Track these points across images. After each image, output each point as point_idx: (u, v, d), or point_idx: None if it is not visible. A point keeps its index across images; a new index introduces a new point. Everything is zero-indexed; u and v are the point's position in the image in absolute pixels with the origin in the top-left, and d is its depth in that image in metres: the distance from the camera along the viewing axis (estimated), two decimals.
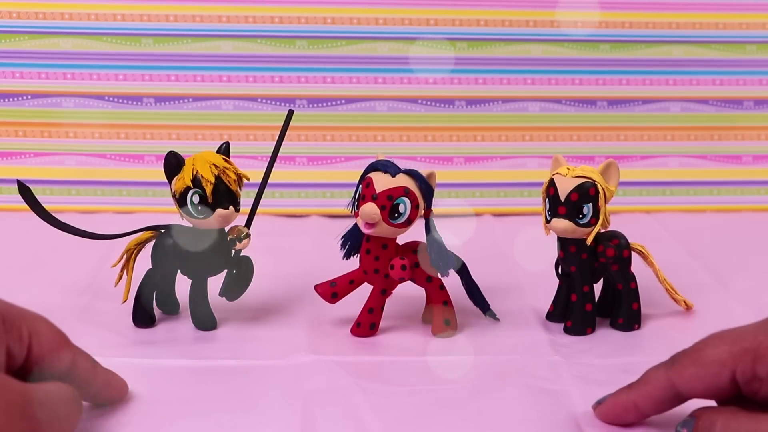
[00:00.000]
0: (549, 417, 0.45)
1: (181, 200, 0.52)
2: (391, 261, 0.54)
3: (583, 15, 0.84)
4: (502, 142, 0.85)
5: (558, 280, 0.58)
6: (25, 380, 0.38)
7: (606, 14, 0.85)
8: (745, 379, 0.38)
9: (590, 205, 0.53)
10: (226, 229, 0.55)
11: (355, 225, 0.55)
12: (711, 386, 0.39)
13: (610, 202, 0.54)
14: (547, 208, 0.54)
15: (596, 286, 0.57)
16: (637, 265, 0.57)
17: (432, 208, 0.54)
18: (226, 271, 0.56)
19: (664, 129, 0.86)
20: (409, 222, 0.53)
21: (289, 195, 0.84)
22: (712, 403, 0.41)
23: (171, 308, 0.59)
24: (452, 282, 0.56)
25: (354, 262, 0.56)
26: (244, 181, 0.54)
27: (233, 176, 0.53)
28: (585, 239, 0.54)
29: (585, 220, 0.53)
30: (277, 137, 0.57)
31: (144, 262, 0.56)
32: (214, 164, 0.52)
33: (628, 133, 0.86)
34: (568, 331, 0.56)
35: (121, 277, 0.56)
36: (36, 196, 0.54)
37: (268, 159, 0.57)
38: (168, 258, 0.55)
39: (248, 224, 0.56)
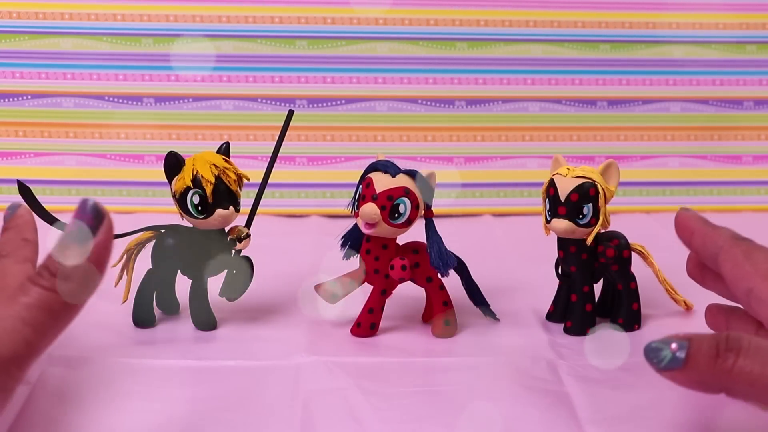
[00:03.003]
0: (549, 417, 0.45)
1: (181, 200, 0.52)
2: (391, 261, 0.54)
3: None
4: (502, 142, 0.85)
5: (558, 280, 0.58)
6: None
7: (606, 14, 0.85)
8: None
9: (590, 205, 0.53)
10: (226, 229, 0.55)
11: (355, 225, 0.55)
12: (742, 279, 0.41)
13: (610, 202, 0.54)
14: (547, 208, 0.54)
15: (596, 286, 0.57)
16: (637, 265, 0.57)
17: (432, 208, 0.54)
18: (226, 271, 0.56)
19: (664, 129, 0.87)
20: (409, 222, 0.53)
21: (289, 195, 0.84)
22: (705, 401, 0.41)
23: (171, 308, 0.59)
24: (452, 282, 0.56)
25: (354, 263, 0.56)
26: (244, 181, 0.54)
27: (233, 176, 0.53)
28: (585, 239, 0.54)
29: (585, 221, 0.53)
30: (277, 137, 0.57)
31: (144, 262, 0.56)
32: (214, 164, 0.52)
33: (628, 133, 0.86)
34: (568, 331, 0.56)
35: (121, 277, 0.56)
36: (36, 196, 0.54)
37: (269, 159, 0.57)
38: (168, 258, 0.55)
39: (248, 224, 0.56)
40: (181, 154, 0.53)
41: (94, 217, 0.37)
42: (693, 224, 0.44)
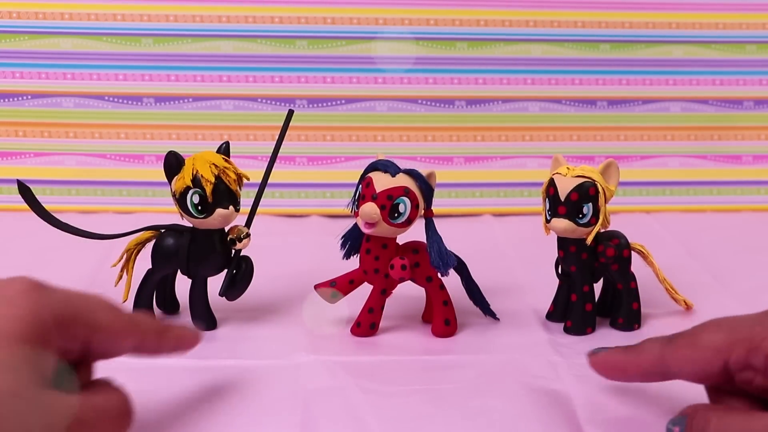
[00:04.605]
0: (549, 417, 0.45)
1: (181, 200, 0.52)
2: (391, 261, 0.54)
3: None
4: (502, 142, 0.85)
5: (558, 280, 0.58)
6: (86, 370, 0.38)
7: (606, 14, 0.85)
8: (738, 367, 0.38)
9: (590, 204, 0.53)
10: (226, 229, 0.55)
11: (355, 225, 0.55)
12: (702, 370, 0.39)
13: (610, 202, 0.54)
14: (547, 207, 0.54)
15: (596, 285, 0.57)
16: (637, 264, 0.57)
17: (432, 207, 0.54)
18: (226, 271, 0.56)
19: (664, 129, 0.87)
20: (409, 222, 0.53)
21: (289, 195, 0.84)
22: (702, 395, 0.42)
23: (171, 308, 0.59)
24: (452, 282, 0.56)
25: (354, 262, 0.56)
26: (244, 181, 0.54)
27: (233, 176, 0.53)
28: (585, 239, 0.54)
29: (585, 220, 0.53)
30: (277, 137, 0.57)
31: (144, 262, 0.56)
32: (214, 164, 0.52)
33: (628, 133, 0.86)
34: (568, 330, 0.56)
35: (121, 277, 0.56)
36: (36, 196, 0.54)
37: (268, 159, 0.57)
38: (168, 258, 0.55)
39: (248, 224, 0.56)
40: (181, 154, 0.53)
41: None
42: (610, 363, 0.42)
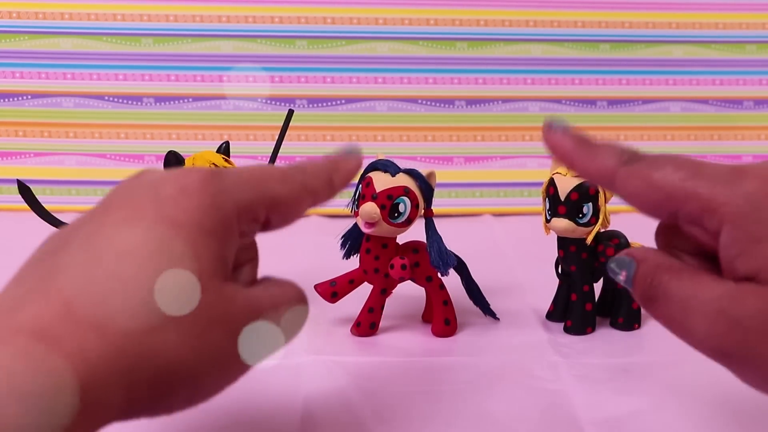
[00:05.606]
0: (549, 417, 0.45)
1: None
2: (391, 260, 0.54)
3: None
4: (502, 142, 0.85)
5: (558, 280, 0.58)
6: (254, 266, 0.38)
7: (606, 14, 0.85)
8: (686, 220, 0.34)
9: (590, 204, 0.53)
10: None
11: (355, 225, 0.55)
12: (648, 208, 0.35)
13: (610, 202, 0.54)
14: (547, 207, 0.54)
15: (596, 285, 0.57)
16: None
17: (432, 207, 0.54)
18: None
19: (664, 129, 0.87)
20: (409, 221, 0.53)
21: None
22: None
23: None
24: (452, 282, 0.56)
25: (354, 262, 0.56)
26: None
27: None
28: (585, 239, 0.54)
29: (585, 220, 0.53)
30: (277, 137, 0.57)
31: None
32: (214, 164, 0.52)
33: (628, 133, 0.86)
34: (568, 330, 0.56)
35: None
36: (36, 196, 0.54)
37: (268, 159, 0.57)
38: None
39: None
40: (181, 153, 0.53)
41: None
42: (566, 150, 0.37)
